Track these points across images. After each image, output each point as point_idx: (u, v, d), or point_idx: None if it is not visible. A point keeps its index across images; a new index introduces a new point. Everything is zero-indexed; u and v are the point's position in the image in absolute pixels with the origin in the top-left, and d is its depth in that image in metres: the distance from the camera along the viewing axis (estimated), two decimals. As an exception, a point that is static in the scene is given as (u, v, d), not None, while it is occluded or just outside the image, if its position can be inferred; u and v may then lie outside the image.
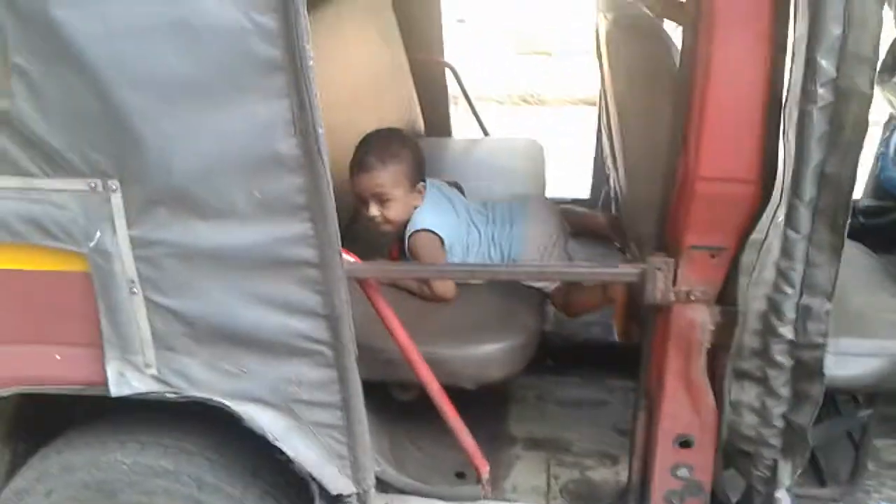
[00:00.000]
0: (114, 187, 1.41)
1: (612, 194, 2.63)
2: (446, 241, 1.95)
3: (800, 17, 1.22)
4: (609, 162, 2.62)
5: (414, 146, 2.01)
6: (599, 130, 3.00)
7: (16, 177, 1.42)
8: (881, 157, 1.70)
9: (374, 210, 1.94)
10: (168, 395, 1.56)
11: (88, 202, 1.42)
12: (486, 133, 3.25)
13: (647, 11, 1.83)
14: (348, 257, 1.49)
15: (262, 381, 1.54)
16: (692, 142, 1.33)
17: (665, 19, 1.51)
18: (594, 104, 6.96)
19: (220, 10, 1.26)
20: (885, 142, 1.75)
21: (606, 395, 2.25)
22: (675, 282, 1.44)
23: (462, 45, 5.94)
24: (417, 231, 1.94)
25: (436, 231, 1.94)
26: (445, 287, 1.88)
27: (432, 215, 1.97)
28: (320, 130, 1.33)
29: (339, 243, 1.43)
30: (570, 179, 3.61)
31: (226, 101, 1.32)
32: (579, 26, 8.41)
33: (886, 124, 2.56)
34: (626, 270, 1.49)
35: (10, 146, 1.40)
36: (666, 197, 1.42)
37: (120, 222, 1.43)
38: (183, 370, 1.54)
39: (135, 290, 1.48)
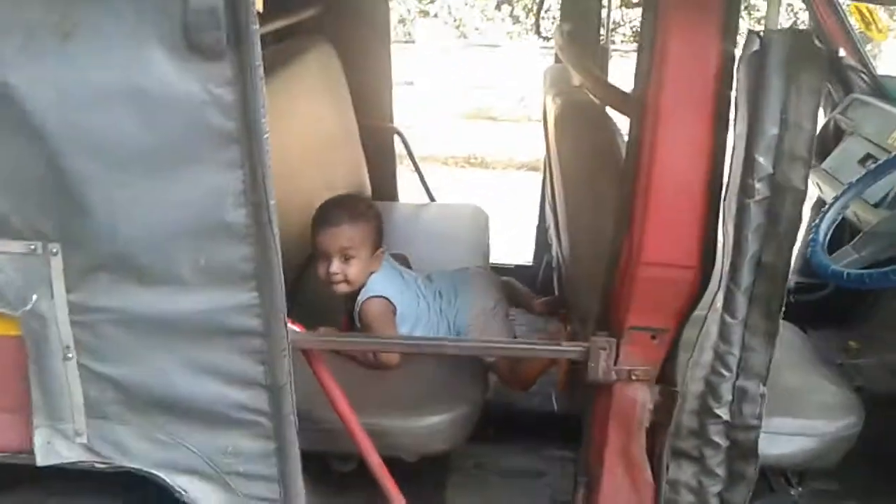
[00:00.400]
0: (54, 251, 1.38)
1: (553, 263, 2.68)
2: (398, 310, 1.95)
3: (740, 117, 1.29)
4: (552, 232, 2.68)
5: (377, 213, 2.02)
6: (543, 199, 3.07)
7: (-48, 237, 1.38)
8: (811, 242, 1.78)
9: (336, 266, 1.91)
10: (97, 465, 1.50)
11: (26, 265, 1.39)
12: (431, 198, 3.29)
13: (595, 99, 1.91)
14: (293, 327, 1.48)
15: (198, 452, 1.50)
16: (636, 227, 1.38)
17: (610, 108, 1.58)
18: (535, 169, 7.17)
19: (177, 81, 1.26)
20: (815, 228, 1.83)
21: (545, 466, 2.26)
22: (616, 361, 1.47)
23: (410, 107, 6.03)
24: (371, 297, 1.93)
25: (390, 299, 1.94)
26: (390, 356, 1.87)
27: (386, 283, 1.97)
28: (272, 202, 1.34)
29: (285, 313, 1.43)
30: (513, 242, 3.67)
31: (178, 171, 1.32)
32: (525, 94, 8.68)
33: (815, 208, 2.69)
34: (569, 348, 1.52)
35: None
36: (609, 278, 1.46)
37: (58, 286, 1.40)
38: (115, 439, 1.49)
39: (69, 355, 1.44)
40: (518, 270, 3.27)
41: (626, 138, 1.64)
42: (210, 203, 1.34)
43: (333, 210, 1.95)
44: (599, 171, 1.66)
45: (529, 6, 10.20)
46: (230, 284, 1.39)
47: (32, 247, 1.38)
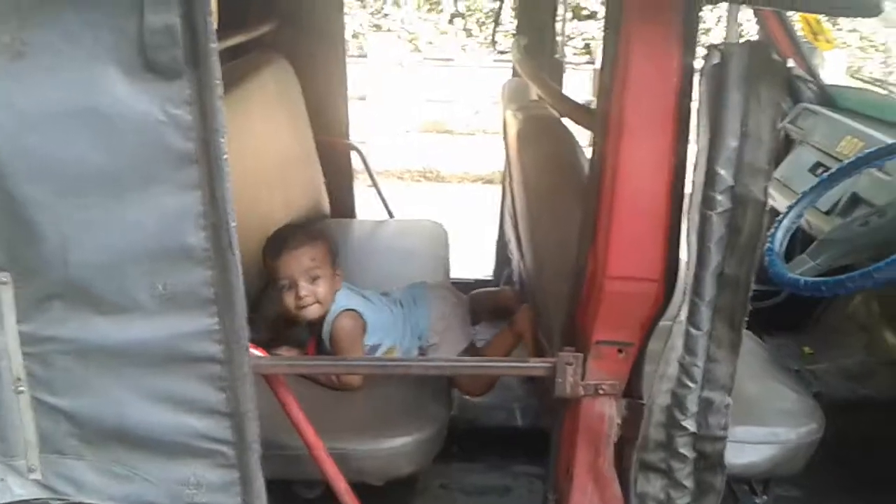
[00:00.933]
0: (4, 280, 1.33)
1: (514, 277, 2.68)
2: (369, 322, 1.93)
3: (702, 130, 1.30)
4: (512, 246, 2.68)
5: (328, 233, 2.00)
6: (502, 213, 3.07)
7: None
8: (767, 251, 1.80)
9: (305, 289, 1.87)
10: (52, 502, 1.44)
11: None
12: (390, 214, 3.27)
13: (553, 112, 1.91)
14: (255, 351, 1.45)
15: (157, 484, 1.46)
16: (600, 241, 1.38)
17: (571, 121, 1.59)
18: (491, 182, 7.19)
19: (133, 102, 1.23)
20: (771, 236, 1.86)
21: (512, 483, 2.25)
22: (583, 376, 1.47)
23: (364, 122, 6.01)
24: (343, 311, 1.90)
25: (359, 311, 1.92)
26: (353, 377, 1.85)
27: (352, 298, 1.95)
28: (232, 224, 1.31)
29: (247, 337, 1.39)
30: (469, 256, 3.66)
31: (135, 193, 1.28)
32: (479, 107, 8.72)
33: (768, 216, 2.73)
34: (537, 364, 1.51)
35: None
36: (574, 292, 1.46)
37: (9, 317, 1.35)
38: (70, 474, 1.44)
39: (21, 388, 1.38)
40: (478, 285, 3.22)
41: (586, 151, 1.65)
42: (168, 226, 1.31)
43: (289, 235, 1.93)
44: (562, 184, 1.66)
45: (482, 20, 10.25)
46: (190, 310, 1.35)
47: None
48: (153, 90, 1.22)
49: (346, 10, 3.20)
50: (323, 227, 2.00)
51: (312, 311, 1.89)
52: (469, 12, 10.34)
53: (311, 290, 1.87)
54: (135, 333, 1.36)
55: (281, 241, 1.91)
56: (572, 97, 1.75)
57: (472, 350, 2.01)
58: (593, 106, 1.45)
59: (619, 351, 1.46)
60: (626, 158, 1.33)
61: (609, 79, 1.32)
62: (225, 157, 1.27)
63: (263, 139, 2.49)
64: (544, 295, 1.75)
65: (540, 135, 1.87)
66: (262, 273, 2.14)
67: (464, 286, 3.09)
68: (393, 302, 2.06)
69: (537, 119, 1.94)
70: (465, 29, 10.29)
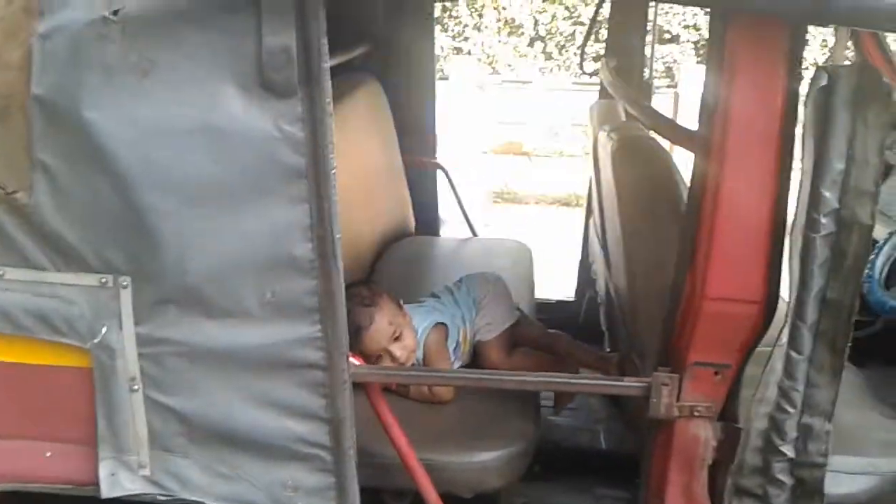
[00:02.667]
0: (124, 283, 1.41)
1: (599, 299, 2.67)
2: (449, 328, 1.99)
3: (806, 152, 1.29)
4: (597, 267, 2.67)
5: (371, 281, 2.05)
6: (586, 234, 3.06)
7: (26, 269, 1.43)
8: (868, 278, 1.76)
9: (397, 351, 1.87)
10: (159, 498, 1.51)
11: (97, 297, 1.42)
12: (474, 233, 3.30)
13: (647, 132, 1.92)
14: (354, 360, 1.49)
15: (258, 486, 1.51)
16: (700, 263, 1.37)
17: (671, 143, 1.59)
18: (568, 205, 7.15)
19: (249, 118, 1.29)
20: (871, 264, 1.81)
21: None
22: (679, 397, 1.46)
23: (443, 143, 6.08)
24: (429, 330, 1.95)
25: (440, 322, 1.97)
26: (446, 390, 1.87)
27: (424, 317, 1.98)
28: (337, 236, 1.36)
29: (347, 346, 1.44)
30: (549, 277, 3.66)
31: (248, 205, 1.35)
32: (557, 129, 8.70)
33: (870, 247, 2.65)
34: (631, 384, 1.51)
35: (25, 239, 1.40)
36: (671, 313, 1.45)
37: (127, 319, 1.42)
38: (177, 472, 1.50)
39: (135, 387, 1.46)
40: (560, 306, 3.26)
41: (682, 172, 1.65)
42: (278, 237, 1.36)
43: (351, 314, 1.77)
44: (658, 204, 1.66)
45: (562, 43, 10.28)
46: (295, 318, 1.40)
47: (104, 280, 1.41)
48: (268, 107, 1.29)
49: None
50: (357, 282, 2.02)
51: (408, 360, 1.92)
52: (549, 35, 10.39)
53: (403, 349, 1.89)
54: (243, 338, 1.42)
55: (354, 326, 1.79)
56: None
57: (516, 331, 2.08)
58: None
59: (716, 373, 1.44)
60: (728, 180, 1.33)
61: (712, 101, 1.32)
62: (333, 171, 1.32)
63: (354, 158, 2.55)
64: (638, 315, 1.74)
65: (635, 155, 1.87)
66: None
67: (547, 306, 3.13)
68: (445, 293, 2.13)
69: (633, 139, 1.94)
70: (544, 52, 10.33)
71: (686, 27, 10.21)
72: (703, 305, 1.38)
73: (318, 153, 1.31)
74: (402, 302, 1.99)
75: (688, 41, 10.24)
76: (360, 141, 2.63)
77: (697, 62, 9.74)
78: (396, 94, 3.05)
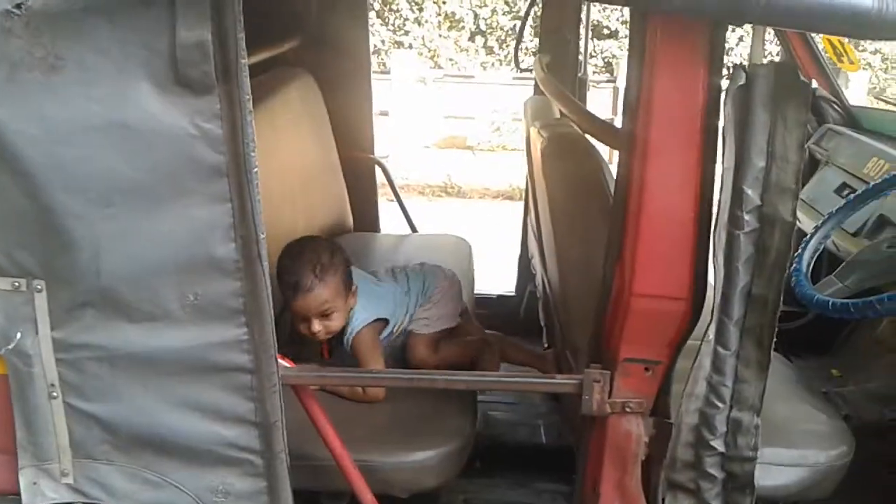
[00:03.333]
0: (39, 287, 1.35)
1: (538, 293, 2.68)
2: (389, 322, 1.98)
3: (728, 150, 1.30)
4: (536, 261, 2.69)
5: (339, 248, 1.96)
6: (525, 229, 3.08)
7: (-67, 274, 1.35)
8: (794, 272, 1.80)
9: (317, 326, 1.85)
10: (84, 507, 1.46)
11: (10, 302, 1.36)
12: (413, 229, 3.28)
13: (578, 129, 1.92)
14: (283, 362, 1.46)
15: (187, 491, 1.48)
16: (627, 260, 1.38)
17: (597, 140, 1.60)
18: (511, 198, 7.19)
19: (164, 116, 1.25)
20: (798, 258, 1.85)
21: (534, 499, 2.24)
22: (610, 393, 1.47)
23: (385, 137, 6.05)
24: (359, 330, 1.91)
25: (377, 318, 1.95)
26: (377, 391, 1.86)
27: (367, 306, 1.95)
28: (262, 236, 1.33)
29: (275, 348, 1.41)
30: (491, 273, 3.67)
31: (165, 205, 1.31)
32: (500, 124, 8.75)
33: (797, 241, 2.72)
34: (564, 381, 1.51)
35: None
36: (601, 310, 1.46)
37: (43, 324, 1.37)
38: (102, 479, 1.46)
39: (55, 394, 1.41)
40: (500, 300, 3.28)
41: (612, 169, 1.66)
42: (198, 237, 1.33)
43: (299, 274, 1.83)
44: (587, 202, 1.67)
45: (503, 38, 10.32)
46: (219, 320, 1.37)
47: (16, 283, 1.35)
48: (184, 104, 1.24)
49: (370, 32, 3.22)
50: (332, 244, 1.96)
51: (324, 337, 1.90)
52: (490, 30, 10.42)
53: (324, 326, 1.86)
54: (165, 342, 1.38)
55: (294, 280, 1.82)
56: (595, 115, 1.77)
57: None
58: (617, 124, 1.46)
59: (647, 369, 1.46)
60: (653, 177, 1.33)
61: (634, 98, 1.33)
62: (255, 170, 1.29)
63: (288, 154, 2.51)
64: (569, 312, 1.75)
65: (564, 152, 1.88)
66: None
67: (487, 301, 3.14)
68: (400, 276, 2.12)
69: (561, 137, 1.95)
70: (485, 46, 10.36)
71: (624, 22, 10.35)
72: (632, 302, 1.39)
73: (239, 151, 1.27)
74: (355, 286, 1.94)
75: (626, 36, 10.35)
76: (292, 136, 2.59)
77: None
78: (332, 90, 3.01)
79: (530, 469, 2.30)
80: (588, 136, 1.82)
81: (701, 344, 1.42)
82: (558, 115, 2.40)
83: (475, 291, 2.79)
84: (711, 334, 1.40)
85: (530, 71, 3.05)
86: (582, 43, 2.89)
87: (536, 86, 2.82)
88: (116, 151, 1.27)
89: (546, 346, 2.47)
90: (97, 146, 1.26)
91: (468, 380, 1.59)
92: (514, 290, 3.30)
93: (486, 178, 7.82)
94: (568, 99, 1.89)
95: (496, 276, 3.53)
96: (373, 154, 3.28)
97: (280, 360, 1.44)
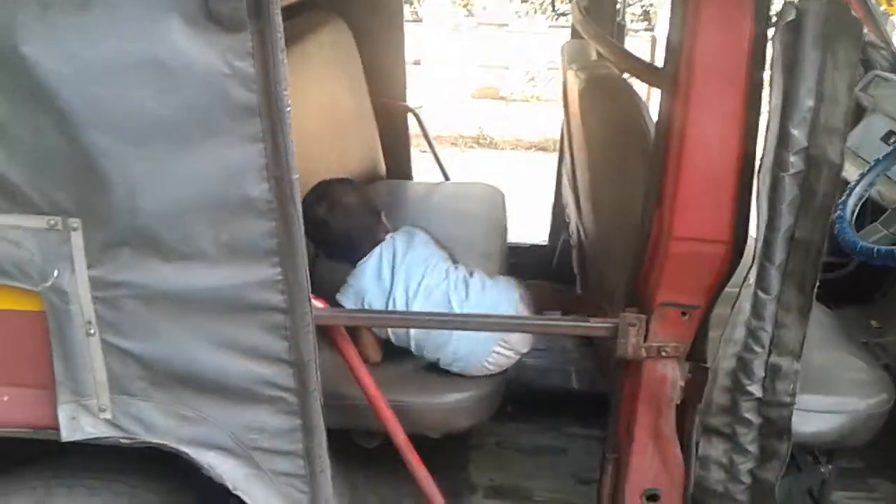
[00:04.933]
0: (74, 226, 1.36)
1: (572, 242, 2.65)
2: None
3: (775, 89, 1.26)
4: (570, 210, 2.66)
5: (367, 198, 1.96)
6: (559, 177, 3.04)
7: (-28, 212, 1.36)
8: (838, 219, 1.75)
9: None
10: (122, 441, 1.49)
11: (47, 240, 1.37)
12: (446, 177, 3.26)
13: (616, 70, 1.87)
14: (317, 303, 1.46)
15: (222, 428, 1.49)
16: (666, 201, 1.35)
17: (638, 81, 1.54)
18: (544, 150, 7.12)
19: (196, 53, 1.23)
20: (842, 204, 1.80)
21: (566, 443, 2.25)
22: (646, 337, 1.45)
23: (417, 87, 6.01)
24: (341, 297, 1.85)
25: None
26: (374, 350, 1.82)
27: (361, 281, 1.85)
28: (294, 176, 1.32)
29: (309, 289, 1.41)
30: (525, 222, 3.65)
31: (198, 145, 1.29)
32: (533, 74, 8.61)
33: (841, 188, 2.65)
34: (598, 325, 1.50)
35: None
36: (638, 254, 1.44)
37: (79, 262, 1.38)
38: (139, 415, 1.48)
39: (91, 331, 1.42)
40: (533, 250, 3.26)
41: (652, 111, 1.61)
42: (231, 177, 1.31)
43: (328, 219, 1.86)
44: (626, 143, 1.63)
45: (538, -16, 10.09)
46: (253, 260, 1.37)
47: (52, 222, 1.36)
48: (215, 42, 1.22)
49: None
50: (362, 187, 1.94)
51: None
52: (526, -24, 10.19)
53: None
54: (199, 281, 1.38)
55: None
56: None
57: None
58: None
59: (684, 314, 1.43)
60: (696, 117, 1.29)
61: (678, 34, 1.28)
62: (288, 109, 1.27)
63: (320, 99, 2.49)
64: (606, 256, 1.73)
65: (603, 93, 1.83)
66: None
67: (520, 250, 3.12)
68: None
69: (600, 78, 1.89)
70: (520, -7, 10.15)
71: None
72: (670, 245, 1.36)
73: (272, 90, 1.25)
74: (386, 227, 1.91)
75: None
76: (325, 81, 2.56)
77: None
78: (364, 36, 2.97)
79: (562, 414, 2.31)
80: (627, 78, 1.77)
81: (741, 289, 1.39)
82: (596, 59, 2.34)
83: (508, 241, 2.77)
84: (752, 279, 1.38)
85: (566, 15, 2.97)
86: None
87: (574, 29, 2.76)
88: (148, 90, 1.25)
89: (580, 292, 2.45)
90: (129, 85, 1.25)
91: (501, 322, 1.58)
92: (546, 239, 3.27)
93: (520, 128, 7.72)
94: (607, 40, 1.83)
95: (529, 227, 3.52)
96: (405, 101, 3.25)
97: (314, 301, 1.43)
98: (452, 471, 2.02)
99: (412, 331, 1.77)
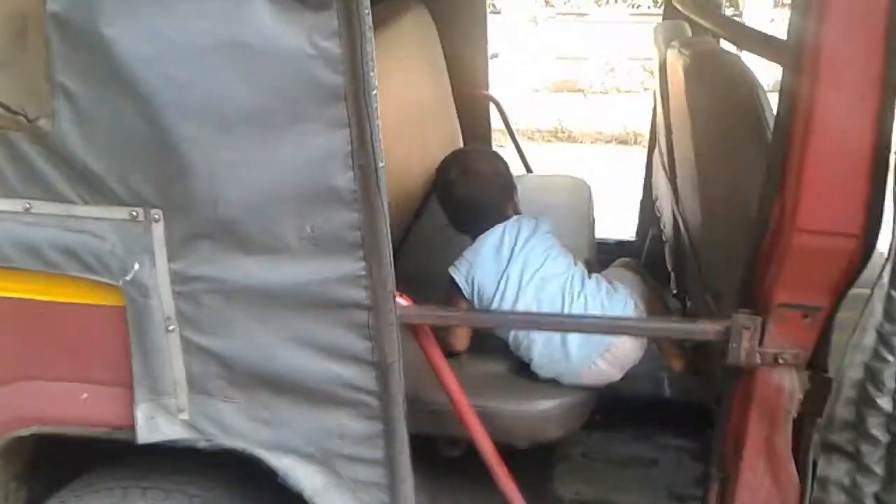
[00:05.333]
0: (156, 217, 1.31)
1: (664, 237, 2.51)
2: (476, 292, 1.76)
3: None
4: (663, 202, 2.51)
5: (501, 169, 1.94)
6: (649, 169, 2.89)
7: (53, 203, 1.34)
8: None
9: None
10: (200, 444, 1.44)
11: (128, 232, 1.33)
12: (528, 169, 3.15)
13: (723, 45, 1.72)
14: (402, 301, 1.38)
15: (302, 432, 1.43)
16: (790, 191, 1.21)
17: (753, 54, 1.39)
18: (625, 143, 6.92)
19: (281, 33, 1.17)
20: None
21: (657, 454, 2.11)
22: (761, 342, 1.31)
23: (495, 79, 5.91)
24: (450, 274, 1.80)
25: (459, 282, 1.78)
26: (459, 339, 1.75)
27: (477, 256, 1.80)
28: (381, 164, 1.25)
29: (394, 285, 1.33)
30: (608, 218, 3.51)
31: (282, 130, 1.23)
32: (613, 65, 8.39)
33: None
34: (707, 327, 1.36)
35: (49, 170, 1.31)
36: (753, 248, 1.30)
37: (160, 255, 1.33)
38: (217, 416, 1.43)
39: (171, 327, 1.37)
40: (620, 246, 3.12)
41: (765, 89, 1.47)
42: (316, 165, 1.25)
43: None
44: (738, 126, 1.48)
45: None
46: (336, 253, 1.30)
47: (135, 213, 1.32)
48: (300, 21, 1.16)
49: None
50: (502, 161, 1.92)
51: None
52: (606, -35, 9.94)
53: None
54: (281, 275, 1.32)
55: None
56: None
57: None
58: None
59: (805, 316, 1.29)
60: (825, 97, 1.15)
61: (804, 6, 1.14)
62: (374, 92, 1.20)
63: (402, 87, 2.42)
64: (713, 250, 1.58)
65: (712, 71, 1.68)
66: (399, 224, 2.07)
67: (606, 247, 2.98)
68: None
69: (707, 54, 1.74)
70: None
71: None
72: (793, 239, 1.22)
73: (358, 71, 1.18)
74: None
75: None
76: (408, 69, 2.49)
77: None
78: (445, 24, 2.90)
79: (653, 423, 2.17)
80: (736, 54, 1.63)
81: (873, 289, 1.24)
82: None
83: (595, 237, 2.64)
84: (885, 277, 1.22)
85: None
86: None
87: (667, 9, 2.61)
88: (231, 72, 1.20)
89: (675, 291, 2.30)
90: (211, 66, 1.20)
91: (598, 322, 1.46)
92: (634, 235, 3.12)
93: (599, 121, 7.52)
94: (714, 12, 1.68)
95: (614, 222, 3.38)
96: (487, 91, 3.15)
97: (398, 299, 1.36)
98: (537, 482, 1.91)
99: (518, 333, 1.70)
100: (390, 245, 1.31)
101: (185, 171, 1.26)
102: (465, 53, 3.05)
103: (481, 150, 1.96)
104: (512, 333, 1.70)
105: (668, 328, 1.46)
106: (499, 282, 1.72)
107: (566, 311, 1.66)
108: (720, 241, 1.55)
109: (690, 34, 2.23)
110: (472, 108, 3.08)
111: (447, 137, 2.88)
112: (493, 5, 8.84)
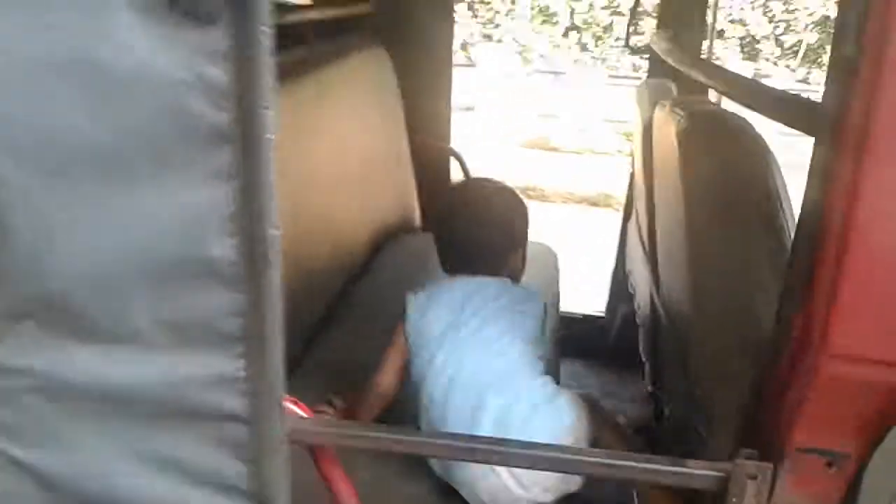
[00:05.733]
0: None
1: (638, 320, 2.21)
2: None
3: None
4: (636, 280, 2.23)
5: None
6: (623, 240, 2.62)
7: None
8: None
9: None
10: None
11: None
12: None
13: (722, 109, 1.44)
14: (296, 409, 1.09)
15: None
16: (818, 301, 0.93)
17: (782, 124, 1.10)
18: (596, 204, 6.78)
19: (147, 53, 0.87)
20: None
21: None
22: (770, 496, 1.01)
23: (469, 134, 5.74)
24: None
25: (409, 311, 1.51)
26: (386, 374, 1.48)
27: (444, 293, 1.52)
28: (273, 231, 0.94)
29: (283, 390, 1.02)
30: (575, 284, 3.24)
31: (139, 180, 0.93)
32: (586, 125, 8.37)
33: None
34: (700, 472, 1.04)
35: None
36: (767, 371, 1.01)
37: None
38: None
39: None
40: (587, 322, 2.85)
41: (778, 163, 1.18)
42: (184, 228, 0.94)
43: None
44: (744, 206, 1.19)
45: (599, 34, 9.88)
46: (206, 346, 0.99)
47: None
48: (176, 37, 0.87)
49: (456, 18, 2.86)
50: (522, 205, 1.66)
51: None
52: (585, 26, 9.98)
53: None
54: (129, 373, 1.01)
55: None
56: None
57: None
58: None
59: (829, 464, 1.00)
60: (871, 181, 0.88)
61: (850, 64, 0.86)
62: (269, 135, 0.90)
63: (346, 133, 2.15)
64: (705, 360, 1.27)
65: (713, 135, 1.40)
66: (320, 303, 1.77)
67: (571, 321, 2.69)
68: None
69: (709, 116, 1.46)
70: (579, 42, 9.95)
71: (732, 21, 9.72)
72: (821, 365, 0.93)
73: (250, 107, 0.88)
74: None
75: (734, 37, 9.75)
76: (354, 114, 2.22)
77: (743, 59, 9.30)
78: (407, 71, 2.65)
79: None
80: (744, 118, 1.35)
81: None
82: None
83: (560, 309, 2.35)
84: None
85: (640, 53, 2.59)
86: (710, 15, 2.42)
87: (652, 67, 2.37)
88: (78, 100, 0.90)
89: (650, 389, 1.98)
90: (53, 92, 0.90)
91: (553, 457, 1.11)
92: (604, 310, 2.84)
93: (571, 181, 7.41)
94: (717, 68, 1.41)
95: (579, 291, 3.10)
96: (448, 144, 2.89)
97: (291, 406, 1.07)
98: None
99: (435, 393, 1.41)
100: (281, 338, 0.99)
101: (4, 232, 0.94)
102: (428, 104, 2.81)
103: (502, 186, 1.66)
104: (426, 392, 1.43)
105: (648, 470, 1.11)
106: (445, 331, 1.45)
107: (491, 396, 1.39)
108: (715, 350, 1.24)
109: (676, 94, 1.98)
110: (431, 162, 2.82)
111: (398, 193, 2.60)
112: (469, 58, 8.77)
